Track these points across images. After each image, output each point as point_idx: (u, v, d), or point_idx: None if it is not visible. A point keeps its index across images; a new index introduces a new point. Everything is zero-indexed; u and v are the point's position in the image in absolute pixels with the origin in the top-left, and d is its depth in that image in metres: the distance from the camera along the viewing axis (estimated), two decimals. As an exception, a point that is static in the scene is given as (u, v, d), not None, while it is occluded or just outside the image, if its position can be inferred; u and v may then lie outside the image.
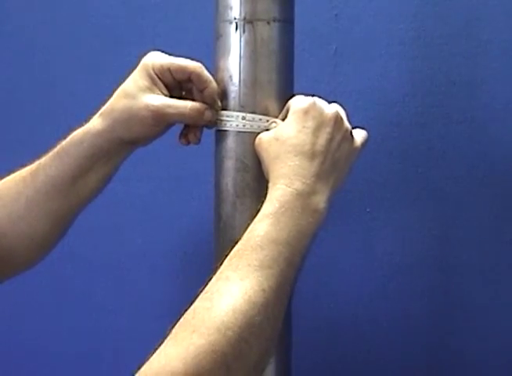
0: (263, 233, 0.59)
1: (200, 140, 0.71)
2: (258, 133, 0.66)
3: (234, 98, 0.67)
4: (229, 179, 0.68)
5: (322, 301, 0.97)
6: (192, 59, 0.67)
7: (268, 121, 0.67)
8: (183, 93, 0.70)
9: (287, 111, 0.66)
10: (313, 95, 0.66)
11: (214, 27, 0.68)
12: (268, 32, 0.66)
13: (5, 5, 1.07)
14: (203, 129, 0.71)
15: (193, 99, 0.68)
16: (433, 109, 0.91)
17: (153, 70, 0.67)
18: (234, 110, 0.67)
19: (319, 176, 0.62)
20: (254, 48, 0.66)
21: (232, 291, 0.55)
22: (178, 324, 0.56)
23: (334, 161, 0.64)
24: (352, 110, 0.93)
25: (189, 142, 0.71)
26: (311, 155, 0.62)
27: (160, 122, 0.68)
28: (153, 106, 0.66)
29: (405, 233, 0.93)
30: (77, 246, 1.03)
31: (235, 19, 0.66)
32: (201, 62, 0.67)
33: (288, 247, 0.59)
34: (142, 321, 1.06)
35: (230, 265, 0.58)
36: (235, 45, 0.66)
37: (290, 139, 0.63)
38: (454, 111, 0.90)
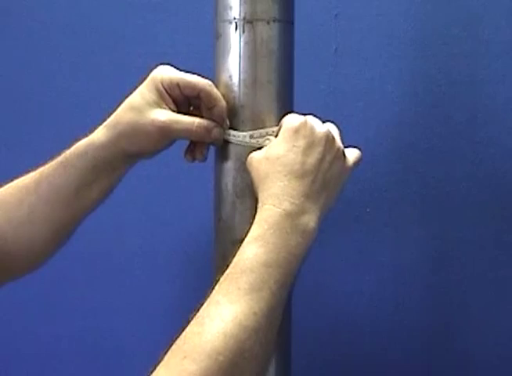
0: (252, 255, 0.58)
1: (206, 158, 0.70)
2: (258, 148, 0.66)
3: (234, 98, 0.67)
4: (229, 179, 0.68)
5: (322, 300, 0.97)
6: (200, 75, 0.67)
7: (265, 138, 0.67)
8: (191, 108, 0.69)
9: (280, 127, 0.66)
10: (307, 114, 0.66)
11: (214, 26, 0.68)
12: (268, 32, 0.66)
13: (4, 5, 1.07)
14: (209, 146, 0.70)
15: (201, 116, 0.68)
16: (433, 109, 0.91)
17: (162, 84, 0.66)
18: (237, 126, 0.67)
19: (309, 196, 0.61)
20: (254, 48, 0.66)
21: (223, 315, 0.55)
22: (170, 350, 0.55)
23: (325, 181, 0.63)
24: (352, 110, 0.94)
25: (194, 159, 0.70)
26: (301, 175, 0.62)
27: (166, 137, 0.67)
28: (159, 121, 0.65)
29: (405, 233, 0.93)
30: (77, 246, 1.03)
31: (235, 19, 0.66)
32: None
33: (278, 269, 0.58)
34: (142, 321, 1.06)
35: (220, 289, 0.57)
36: (234, 44, 0.66)
37: (280, 158, 0.62)
38: (454, 111, 0.90)
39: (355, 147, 0.70)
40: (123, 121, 0.67)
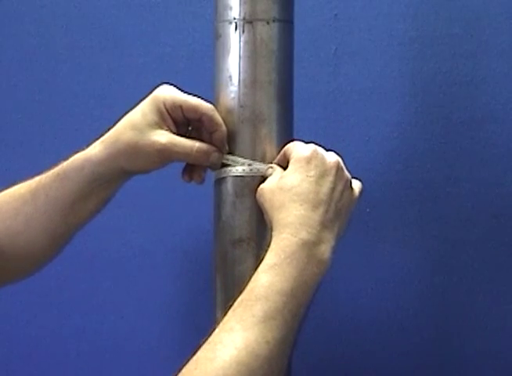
0: (268, 283, 0.58)
1: (203, 180, 0.70)
2: (258, 176, 0.67)
3: (233, 98, 0.67)
4: (229, 179, 0.69)
5: (322, 300, 0.97)
6: (203, 98, 0.67)
7: (268, 166, 0.67)
8: (189, 128, 0.69)
9: (284, 156, 0.66)
10: (311, 142, 0.66)
11: (214, 27, 0.68)
12: (268, 32, 0.66)
13: (4, 5, 1.07)
14: (207, 169, 0.70)
15: (200, 138, 0.68)
16: (433, 109, 0.91)
17: (165, 105, 0.66)
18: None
19: (324, 225, 0.62)
20: (254, 48, 0.66)
21: (236, 343, 0.55)
22: (180, 374, 0.55)
23: (337, 210, 0.63)
24: (352, 110, 0.94)
25: (192, 180, 0.71)
26: (316, 204, 0.62)
27: (165, 159, 0.67)
28: (159, 144, 0.65)
29: (405, 233, 0.93)
30: (77, 245, 1.03)
31: (234, 19, 0.66)
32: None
33: (292, 299, 0.58)
34: (142, 321, 1.06)
35: (234, 315, 0.58)
36: (234, 45, 0.66)
37: (295, 187, 0.62)
38: (454, 111, 0.90)
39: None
40: (122, 139, 0.66)
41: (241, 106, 0.67)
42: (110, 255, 1.06)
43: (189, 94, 0.66)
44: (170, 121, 0.67)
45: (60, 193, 0.69)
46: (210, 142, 0.67)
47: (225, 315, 0.58)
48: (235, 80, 0.67)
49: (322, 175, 0.63)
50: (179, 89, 0.67)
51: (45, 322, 1.10)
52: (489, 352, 0.92)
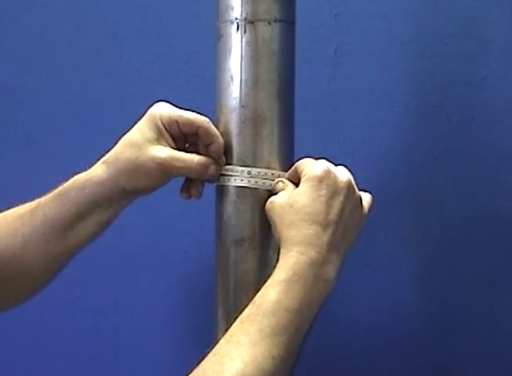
0: (276, 300, 0.59)
1: (201, 195, 0.71)
2: (263, 190, 0.67)
3: (235, 98, 0.67)
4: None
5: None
6: (200, 114, 0.67)
7: (273, 178, 0.67)
8: (187, 145, 0.70)
9: (295, 172, 0.66)
10: (321, 158, 0.66)
11: (215, 27, 0.68)
12: (270, 32, 0.66)
13: (4, 4, 1.07)
14: (204, 183, 0.71)
15: (198, 152, 0.68)
16: (433, 109, 0.91)
17: (161, 121, 0.67)
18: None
19: (332, 245, 0.63)
20: (255, 48, 0.66)
21: (243, 356, 0.56)
22: None
23: (346, 230, 0.64)
24: (352, 110, 0.94)
25: (190, 197, 0.71)
26: (325, 224, 0.62)
27: (166, 174, 0.67)
28: (159, 158, 0.66)
29: (405, 233, 0.93)
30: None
31: (236, 19, 0.66)
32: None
33: (298, 316, 0.60)
34: (142, 321, 1.06)
35: (241, 329, 0.59)
36: (236, 45, 0.66)
37: (305, 207, 0.63)
38: (454, 111, 0.90)
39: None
40: (122, 157, 0.67)
41: (242, 106, 0.67)
42: (110, 256, 1.06)
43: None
44: (168, 137, 0.67)
45: (59, 213, 0.68)
46: (207, 155, 0.68)
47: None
48: (236, 80, 0.67)
49: (333, 195, 0.63)
50: (173, 105, 0.68)
51: (45, 322, 1.10)
52: (489, 352, 0.92)
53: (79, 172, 0.69)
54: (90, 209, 0.68)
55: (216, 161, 0.68)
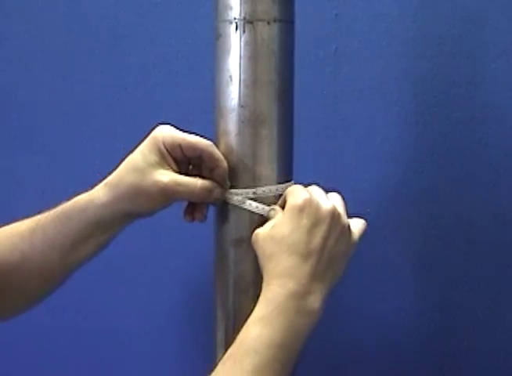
0: (256, 336, 0.59)
1: (206, 217, 0.70)
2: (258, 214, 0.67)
3: (234, 98, 0.67)
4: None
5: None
6: (200, 138, 0.67)
7: (270, 208, 0.67)
8: (190, 167, 0.69)
9: (285, 201, 0.66)
10: (311, 184, 0.66)
11: (214, 27, 0.68)
12: (269, 32, 0.66)
13: (4, 4, 1.07)
14: (208, 206, 0.70)
15: (201, 175, 0.68)
16: (433, 109, 0.91)
17: (164, 145, 0.66)
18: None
19: (314, 276, 0.62)
20: (255, 48, 0.66)
21: None
22: None
23: (331, 259, 0.63)
24: (352, 110, 0.94)
25: (194, 219, 0.71)
26: (306, 255, 0.62)
27: (168, 199, 0.67)
28: (162, 183, 0.65)
29: (405, 233, 0.93)
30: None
31: (235, 19, 0.66)
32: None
33: (282, 349, 0.59)
34: (142, 321, 1.06)
35: (223, 369, 0.58)
36: (235, 45, 0.66)
37: (285, 238, 0.62)
38: (454, 111, 0.90)
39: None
40: (125, 181, 0.66)
41: (242, 106, 0.67)
42: (109, 256, 1.06)
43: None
44: (170, 160, 0.66)
45: (59, 233, 0.68)
46: (211, 179, 0.67)
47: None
48: (235, 80, 0.67)
49: (314, 225, 0.62)
50: (176, 128, 0.67)
51: (44, 322, 1.10)
52: (489, 352, 0.92)
53: (80, 193, 0.69)
54: (90, 231, 0.68)
55: (220, 185, 0.67)
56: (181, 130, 0.67)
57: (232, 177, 0.68)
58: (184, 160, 0.68)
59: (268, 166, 0.68)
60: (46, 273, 0.70)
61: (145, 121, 1.02)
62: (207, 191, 0.66)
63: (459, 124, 0.90)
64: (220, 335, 0.70)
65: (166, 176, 0.65)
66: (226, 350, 0.68)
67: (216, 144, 0.69)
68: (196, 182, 0.66)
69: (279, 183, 0.68)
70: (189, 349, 1.04)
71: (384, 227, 0.94)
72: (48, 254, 0.68)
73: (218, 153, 0.66)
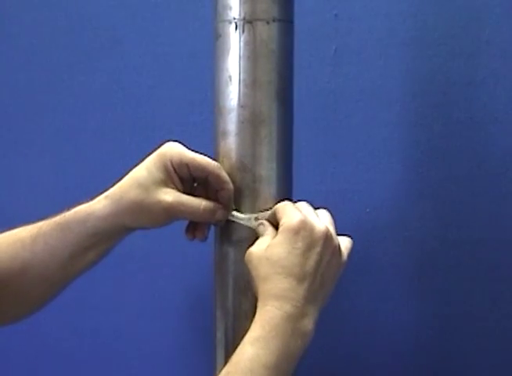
0: (253, 356, 0.59)
1: (207, 237, 0.70)
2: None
3: (233, 98, 0.67)
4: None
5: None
6: (208, 158, 0.66)
7: (259, 223, 0.67)
8: (195, 184, 0.69)
9: (274, 216, 0.66)
10: (302, 200, 0.67)
11: (214, 26, 0.68)
12: (268, 32, 0.66)
13: (3, 4, 1.07)
14: (210, 227, 0.70)
15: (205, 194, 0.68)
16: (433, 109, 0.91)
17: (172, 163, 0.66)
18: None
19: (309, 298, 0.62)
20: (254, 48, 0.66)
21: None
22: None
23: (323, 280, 0.64)
24: (352, 110, 0.94)
25: (195, 238, 0.71)
26: (301, 277, 0.62)
27: (171, 217, 0.67)
28: (166, 203, 0.65)
29: (405, 233, 0.93)
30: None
31: (234, 19, 0.66)
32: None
33: (277, 371, 0.59)
34: (142, 321, 1.06)
35: None
36: (234, 45, 0.66)
37: (281, 260, 0.62)
38: (454, 111, 0.90)
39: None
40: (128, 197, 0.66)
41: (241, 106, 0.67)
42: (110, 256, 1.06)
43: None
44: (176, 179, 0.66)
45: (60, 242, 0.68)
46: (216, 199, 0.67)
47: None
48: (235, 80, 0.67)
49: (309, 247, 0.63)
50: (184, 145, 0.67)
51: (45, 322, 1.10)
52: (489, 352, 0.92)
53: (81, 203, 0.69)
54: (91, 242, 0.68)
55: (224, 207, 0.67)
56: (188, 148, 0.67)
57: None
58: (189, 179, 0.68)
59: (267, 166, 0.68)
60: (46, 281, 0.70)
61: (145, 120, 1.03)
62: (210, 213, 0.66)
63: (459, 124, 0.90)
64: (220, 335, 0.70)
65: (170, 195, 0.65)
66: (226, 350, 0.69)
67: (216, 144, 0.69)
68: (200, 203, 0.66)
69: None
70: (189, 349, 1.04)
71: (384, 227, 0.94)
72: (49, 263, 0.69)
73: (225, 175, 0.66)
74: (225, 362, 0.68)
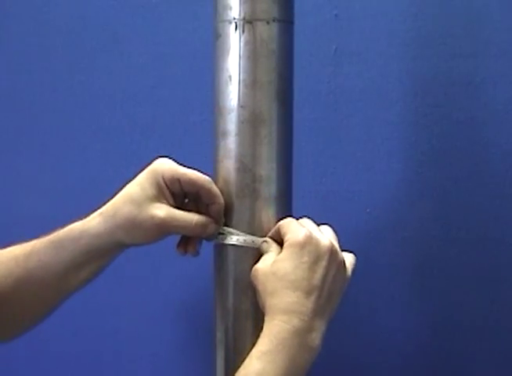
0: (259, 370, 0.60)
1: (198, 252, 0.71)
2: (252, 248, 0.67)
3: (233, 98, 0.67)
4: (229, 179, 0.68)
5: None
6: (199, 173, 0.67)
7: (263, 240, 0.67)
8: (186, 200, 0.70)
9: (278, 232, 0.66)
10: (304, 216, 0.67)
11: (214, 26, 0.68)
12: (268, 32, 0.66)
13: (3, 4, 1.08)
14: (202, 241, 0.71)
15: (196, 208, 0.68)
16: (433, 109, 0.91)
17: (163, 178, 0.66)
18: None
19: (316, 312, 0.63)
20: (254, 48, 0.66)
21: None
22: None
23: (329, 294, 0.64)
24: (352, 110, 0.94)
25: (186, 253, 0.71)
26: (309, 291, 0.62)
27: (164, 233, 0.67)
28: (159, 218, 0.65)
29: (405, 233, 0.93)
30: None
31: (234, 19, 0.66)
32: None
33: None
34: (142, 322, 1.06)
35: None
36: (234, 45, 0.66)
37: (288, 274, 0.63)
38: (454, 111, 0.90)
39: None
40: (121, 213, 0.66)
41: (241, 107, 0.67)
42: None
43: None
44: (168, 194, 0.67)
45: (54, 260, 0.68)
46: (206, 213, 0.68)
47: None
48: (235, 80, 0.67)
49: (315, 261, 0.63)
50: (175, 161, 0.68)
51: (44, 322, 1.10)
52: (489, 352, 0.92)
53: (75, 221, 0.69)
54: (85, 259, 0.68)
55: (215, 221, 0.68)
56: (179, 163, 0.67)
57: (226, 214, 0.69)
58: (181, 195, 0.68)
59: (267, 166, 0.68)
60: (41, 298, 0.70)
61: (145, 120, 1.03)
62: (202, 227, 0.67)
63: (459, 124, 0.90)
64: (220, 335, 0.70)
65: (163, 210, 0.66)
66: (226, 350, 0.69)
67: (216, 144, 0.69)
68: (193, 217, 0.67)
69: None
70: (189, 349, 1.04)
71: (384, 227, 0.94)
72: (43, 281, 0.69)
73: (216, 189, 0.67)
74: (225, 362, 0.69)
